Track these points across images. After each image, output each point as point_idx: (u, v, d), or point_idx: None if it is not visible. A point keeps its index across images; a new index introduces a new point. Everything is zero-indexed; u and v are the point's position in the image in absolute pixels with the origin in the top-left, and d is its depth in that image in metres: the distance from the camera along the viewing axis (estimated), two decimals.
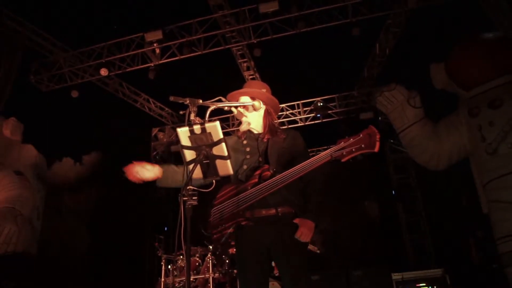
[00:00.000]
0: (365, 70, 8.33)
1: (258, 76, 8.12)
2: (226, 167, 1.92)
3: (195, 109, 1.90)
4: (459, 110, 3.35)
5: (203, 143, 1.86)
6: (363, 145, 2.18)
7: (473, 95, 3.30)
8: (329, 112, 8.92)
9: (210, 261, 5.02)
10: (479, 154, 3.11)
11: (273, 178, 2.26)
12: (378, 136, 2.17)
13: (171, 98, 1.91)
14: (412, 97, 3.37)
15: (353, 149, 2.19)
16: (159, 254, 5.47)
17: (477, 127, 3.12)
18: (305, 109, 9.15)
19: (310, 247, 7.10)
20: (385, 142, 9.29)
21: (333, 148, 2.24)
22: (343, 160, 2.22)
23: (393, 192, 9.04)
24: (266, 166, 2.36)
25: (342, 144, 2.23)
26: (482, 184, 3.12)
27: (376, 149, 2.16)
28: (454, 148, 3.29)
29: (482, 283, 5.09)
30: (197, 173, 1.92)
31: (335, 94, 8.95)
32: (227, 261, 5.22)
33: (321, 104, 8.90)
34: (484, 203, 3.14)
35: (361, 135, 2.20)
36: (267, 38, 6.77)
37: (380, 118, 8.48)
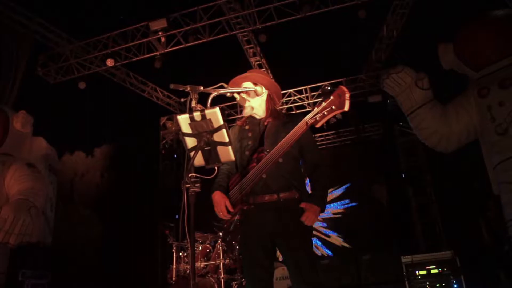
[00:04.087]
0: (372, 52, 8.21)
1: (264, 62, 8.06)
2: (227, 153, 1.91)
3: (196, 96, 1.89)
4: (468, 91, 3.29)
5: (203, 130, 1.85)
6: (333, 107, 2.16)
7: (482, 75, 3.24)
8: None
9: (221, 247, 5.07)
10: (489, 135, 3.07)
11: (265, 157, 2.26)
12: (347, 95, 2.12)
13: (172, 86, 1.91)
14: (420, 79, 3.32)
15: (325, 112, 2.18)
16: (170, 242, 5.54)
17: (487, 107, 3.07)
18: (312, 93, 9.09)
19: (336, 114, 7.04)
20: (394, 125, 9.21)
21: (308, 115, 2.24)
22: (317, 125, 2.22)
23: (403, 175, 8.99)
24: (261, 148, 2.36)
25: (315, 109, 2.22)
26: (493, 166, 3.08)
27: (346, 108, 2.12)
28: (464, 130, 3.25)
29: (493, 264, 5.07)
30: (199, 160, 1.93)
31: (343, 78, 8.85)
32: (237, 247, 5.27)
33: (329, 88, 8.77)
34: (495, 184, 3.11)
35: (331, 97, 2.18)
36: (272, 23, 6.69)
37: (388, 101, 8.39)
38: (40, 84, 7.85)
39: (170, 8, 6.98)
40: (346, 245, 8.16)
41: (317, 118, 2.19)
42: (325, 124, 2.26)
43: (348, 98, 2.11)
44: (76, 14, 7.80)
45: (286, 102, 9.10)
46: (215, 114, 1.80)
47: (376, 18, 7.11)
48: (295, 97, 9.11)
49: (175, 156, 9.96)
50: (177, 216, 8.85)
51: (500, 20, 3.25)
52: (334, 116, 2.21)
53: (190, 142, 1.89)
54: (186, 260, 5.31)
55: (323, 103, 2.19)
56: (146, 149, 11.11)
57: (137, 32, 7.22)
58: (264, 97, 2.47)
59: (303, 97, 9.12)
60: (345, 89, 2.14)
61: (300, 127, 2.23)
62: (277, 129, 2.41)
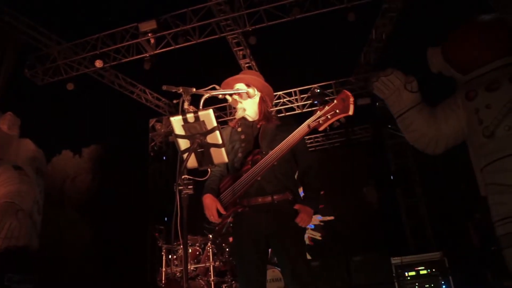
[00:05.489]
0: (361, 55, 8.28)
1: (254, 64, 8.07)
2: (220, 155, 1.91)
3: (188, 97, 1.88)
4: (456, 93, 3.34)
5: (197, 132, 1.84)
6: (337, 111, 2.19)
7: (470, 79, 3.29)
8: (326, 98, 8.88)
9: (211, 250, 5.05)
10: (476, 137, 3.11)
11: (261, 160, 2.26)
12: (351, 99, 2.17)
13: (164, 87, 1.90)
14: (409, 82, 3.36)
15: (329, 116, 2.21)
16: (160, 245, 5.50)
17: (474, 110, 3.11)
18: (302, 96, 9.12)
19: (311, 234, 7.16)
20: (383, 128, 9.28)
21: (310, 118, 2.25)
22: (320, 128, 2.24)
23: (392, 177, 9.06)
24: (257, 151, 2.35)
25: (318, 113, 2.24)
26: (480, 168, 3.13)
27: (351, 112, 2.17)
28: (452, 132, 3.29)
29: (480, 265, 5.14)
30: (192, 162, 1.92)
31: (332, 81, 8.90)
32: (227, 249, 5.26)
33: (318, 90, 8.86)
34: (482, 186, 3.15)
35: (335, 101, 2.21)
36: (262, 25, 6.70)
37: (377, 103, 8.45)
38: (27, 85, 7.75)
39: (160, 9, 6.96)
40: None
41: (320, 122, 2.21)
42: (328, 128, 2.28)
43: (352, 102, 2.17)
44: (64, 15, 7.73)
45: (276, 105, 9.11)
46: (209, 116, 1.79)
47: (365, 21, 7.18)
48: (285, 99, 9.13)
49: (164, 158, 9.90)
50: (166, 219, 8.79)
51: (488, 24, 3.30)
52: (338, 120, 2.24)
53: (183, 144, 1.89)
54: (176, 262, 5.28)
55: (326, 106, 2.20)
56: (135, 151, 11.04)
57: (126, 33, 7.17)
58: (256, 99, 2.47)
59: (293, 99, 9.15)
60: (349, 94, 2.18)
61: (301, 130, 2.25)
62: (272, 131, 2.41)
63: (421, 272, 5.18)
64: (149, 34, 6.88)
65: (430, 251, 5.76)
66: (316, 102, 8.95)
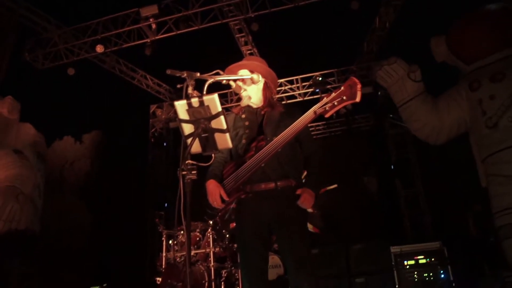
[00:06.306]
0: (364, 44, 8.21)
1: (256, 51, 8.01)
2: (225, 141, 1.89)
3: (192, 82, 1.86)
4: (459, 84, 3.32)
5: (201, 117, 1.83)
6: (344, 97, 2.15)
7: (474, 69, 3.27)
8: (328, 87, 8.84)
9: (211, 235, 5.08)
10: (479, 128, 3.10)
11: (266, 147, 2.24)
12: (359, 86, 2.12)
13: (168, 71, 1.88)
14: (412, 71, 3.33)
15: (335, 103, 2.17)
16: (160, 230, 5.53)
17: (478, 101, 3.09)
18: (304, 84, 9.07)
19: (310, 227, 7.20)
20: (384, 117, 9.25)
21: (317, 105, 2.23)
22: (326, 115, 2.21)
23: (392, 167, 9.06)
24: (261, 137, 2.34)
25: (324, 99, 2.22)
26: (481, 159, 3.12)
27: (358, 99, 2.13)
28: (454, 123, 3.28)
29: (479, 255, 5.18)
30: (196, 147, 1.91)
31: (334, 69, 8.85)
32: (227, 235, 5.28)
33: (320, 79, 8.81)
34: (483, 177, 3.16)
35: (342, 88, 2.17)
36: (265, 12, 6.62)
37: (379, 92, 8.41)
38: (28, 69, 7.71)
39: None
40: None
41: (327, 108, 2.18)
42: (335, 114, 2.26)
43: (359, 89, 2.12)
44: None
45: (277, 92, 9.06)
46: (213, 101, 1.78)
47: (369, 9, 7.10)
48: (286, 87, 9.10)
49: (164, 144, 9.90)
50: (166, 205, 8.83)
51: (493, 14, 3.26)
52: (345, 107, 2.21)
53: (187, 128, 1.87)
54: (176, 248, 5.31)
55: (333, 93, 2.18)
56: (136, 137, 11.04)
57: (128, 18, 7.09)
58: (260, 85, 2.45)
59: (294, 87, 9.10)
60: (356, 80, 2.14)
61: (307, 117, 2.22)
62: (277, 118, 2.40)
63: (420, 261, 5.21)
64: (151, 19, 6.80)
65: (429, 240, 5.79)
66: (317, 90, 8.91)
